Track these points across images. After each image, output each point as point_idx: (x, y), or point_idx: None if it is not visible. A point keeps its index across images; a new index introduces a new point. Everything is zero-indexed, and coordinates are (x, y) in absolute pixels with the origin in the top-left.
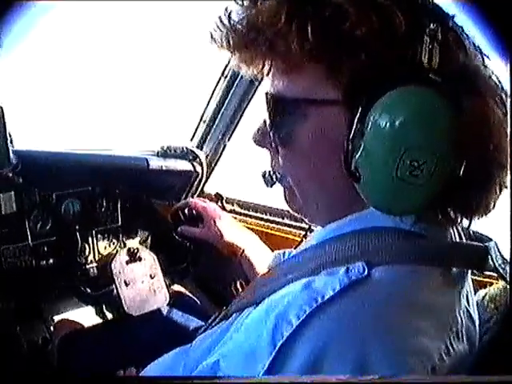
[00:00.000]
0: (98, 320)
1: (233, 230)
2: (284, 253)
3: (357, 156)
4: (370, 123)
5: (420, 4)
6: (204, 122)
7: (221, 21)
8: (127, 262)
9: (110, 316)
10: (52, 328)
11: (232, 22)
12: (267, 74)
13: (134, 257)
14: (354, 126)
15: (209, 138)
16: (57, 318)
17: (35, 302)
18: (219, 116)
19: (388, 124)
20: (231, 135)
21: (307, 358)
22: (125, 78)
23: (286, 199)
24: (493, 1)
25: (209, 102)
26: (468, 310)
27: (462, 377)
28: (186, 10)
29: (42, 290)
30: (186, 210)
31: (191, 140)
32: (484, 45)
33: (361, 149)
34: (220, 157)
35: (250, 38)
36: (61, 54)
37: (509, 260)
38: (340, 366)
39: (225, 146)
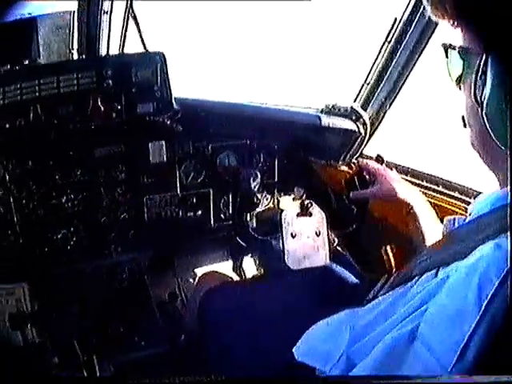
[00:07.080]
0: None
1: (404, 188)
2: (454, 219)
3: (484, 92)
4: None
5: None
6: (368, 84)
7: None
8: (298, 215)
9: (249, 271)
10: (193, 281)
11: None
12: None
13: (305, 211)
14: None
15: (372, 100)
16: (194, 272)
17: (170, 255)
18: (383, 80)
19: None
20: (393, 101)
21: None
22: (294, 35)
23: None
24: None
25: (373, 65)
26: None
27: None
28: None
29: (180, 242)
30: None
31: (354, 101)
32: None
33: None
34: (381, 121)
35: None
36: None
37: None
38: None
39: (386, 111)
